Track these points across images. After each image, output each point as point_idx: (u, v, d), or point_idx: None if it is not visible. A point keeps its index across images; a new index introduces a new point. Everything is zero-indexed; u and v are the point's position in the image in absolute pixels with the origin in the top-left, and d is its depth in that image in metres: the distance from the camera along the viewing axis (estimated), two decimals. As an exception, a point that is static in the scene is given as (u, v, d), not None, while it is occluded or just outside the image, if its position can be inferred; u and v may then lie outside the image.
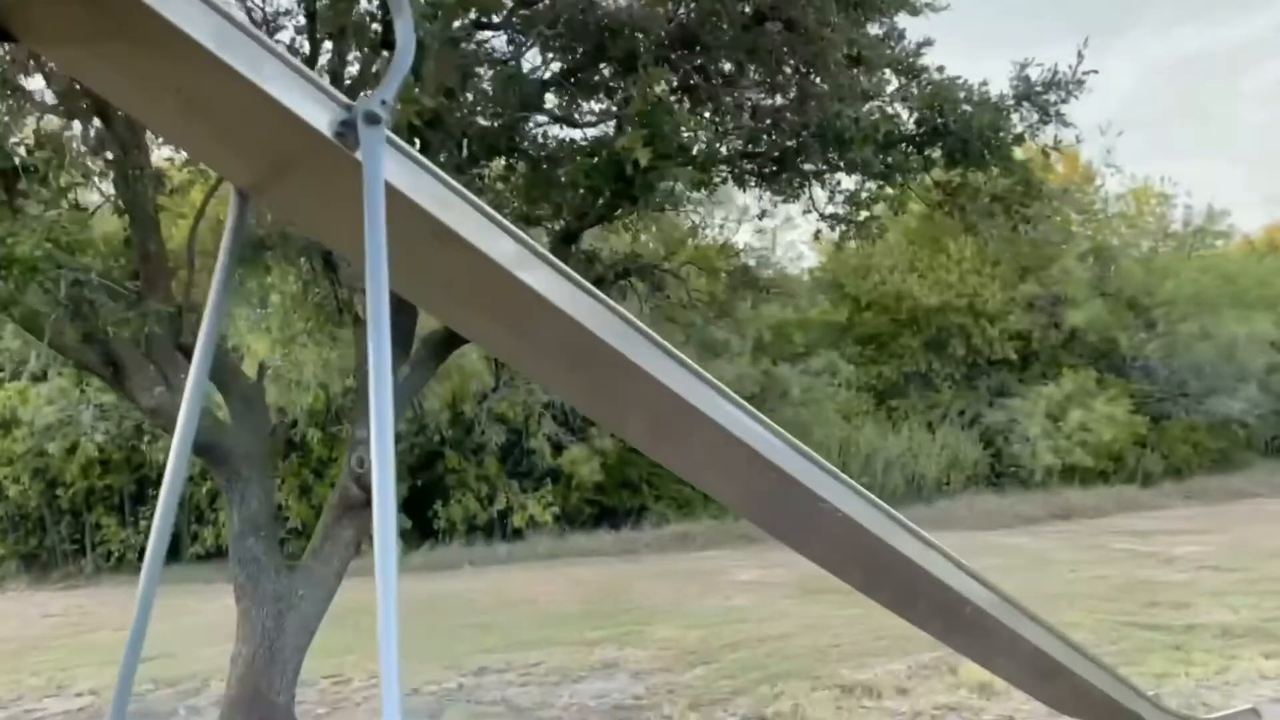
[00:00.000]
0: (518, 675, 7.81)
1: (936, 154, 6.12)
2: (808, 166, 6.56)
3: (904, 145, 5.97)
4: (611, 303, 2.54)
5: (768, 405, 18.33)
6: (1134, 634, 8.11)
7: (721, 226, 20.53)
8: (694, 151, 5.17)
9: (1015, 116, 5.42)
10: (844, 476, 3.27)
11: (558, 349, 2.61)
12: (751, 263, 21.11)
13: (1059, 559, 12.90)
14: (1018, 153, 5.73)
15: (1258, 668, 6.89)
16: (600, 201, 4.91)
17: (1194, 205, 25.29)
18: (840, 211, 7.47)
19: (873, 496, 3.32)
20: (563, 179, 4.95)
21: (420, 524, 17.49)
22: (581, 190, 4.85)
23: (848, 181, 7.19)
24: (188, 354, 5.77)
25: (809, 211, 7.57)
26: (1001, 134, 5.19)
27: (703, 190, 6.99)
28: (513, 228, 2.42)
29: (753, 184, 7.01)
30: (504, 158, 5.49)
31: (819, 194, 7.36)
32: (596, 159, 4.70)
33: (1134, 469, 22.11)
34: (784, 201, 7.56)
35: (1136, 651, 7.50)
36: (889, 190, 6.94)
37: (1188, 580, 10.74)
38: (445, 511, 17.37)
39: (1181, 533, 15.19)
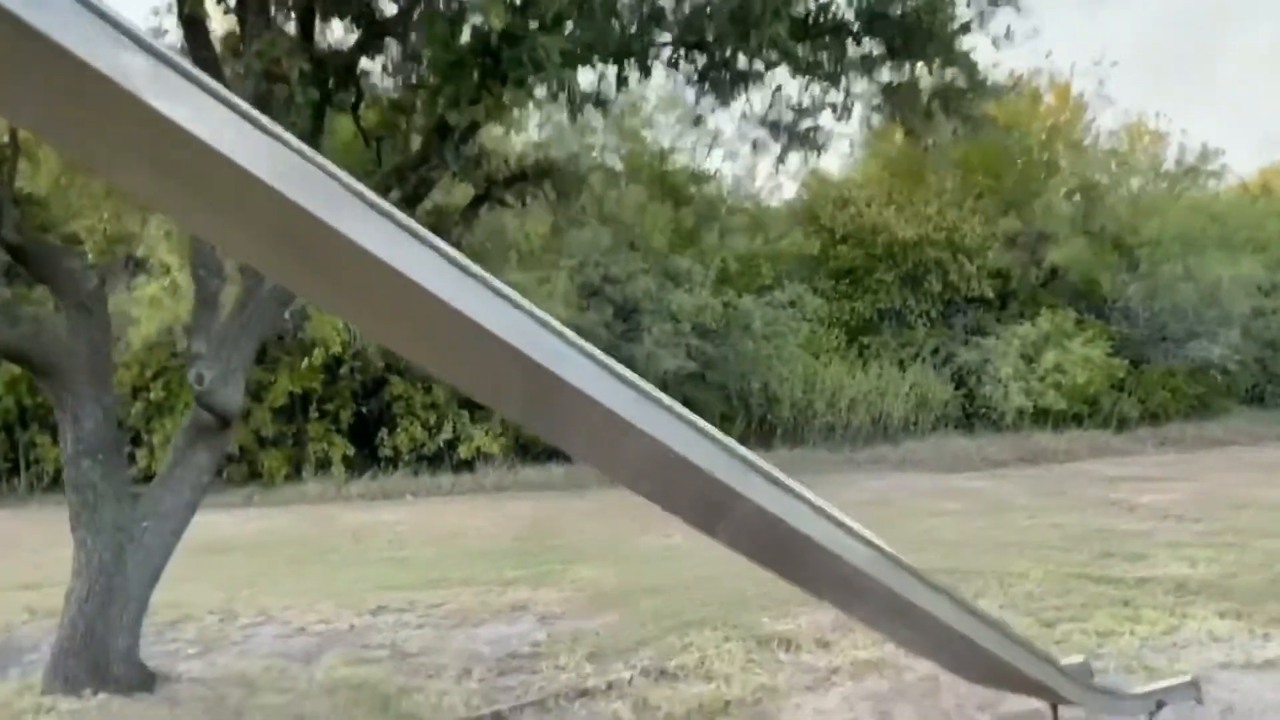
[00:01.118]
0: (417, 616, 7.28)
1: (878, 50, 5.42)
2: (740, 64, 5.86)
3: (840, 35, 5.27)
4: (320, 159, 1.89)
5: (730, 339, 17.74)
6: (1083, 587, 7.62)
7: (693, 150, 19.74)
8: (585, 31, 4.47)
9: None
10: (683, 411, 2.67)
11: (246, 217, 1.95)
12: (724, 191, 20.36)
13: (1019, 504, 12.45)
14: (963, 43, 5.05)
15: (1209, 628, 6.41)
16: (466, 80, 4.21)
17: (1188, 145, 24.54)
18: (780, 119, 6.78)
19: (725, 438, 2.74)
20: (425, 54, 4.26)
21: (366, 452, 16.95)
22: (442, 65, 4.15)
23: (790, 86, 6.52)
24: (10, 250, 5.09)
25: (746, 116, 6.88)
26: (940, 16, 4.51)
27: (623, 87, 6.29)
28: (151, 42, 1.75)
29: (684, 80, 6.32)
30: (359, 24, 4.77)
31: (756, 99, 6.68)
32: (454, 25, 4.01)
33: (1109, 413, 21.69)
34: (721, 105, 6.86)
35: (1082, 607, 7.01)
36: (833, 94, 6.25)
37: (1148, 530, 10.28)
38: (391, 439, 16.81)
39: (1150, 480, 14.78)
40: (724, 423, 18.97)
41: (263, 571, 9.31)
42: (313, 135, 4.65)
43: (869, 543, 3.05)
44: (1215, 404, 23.30)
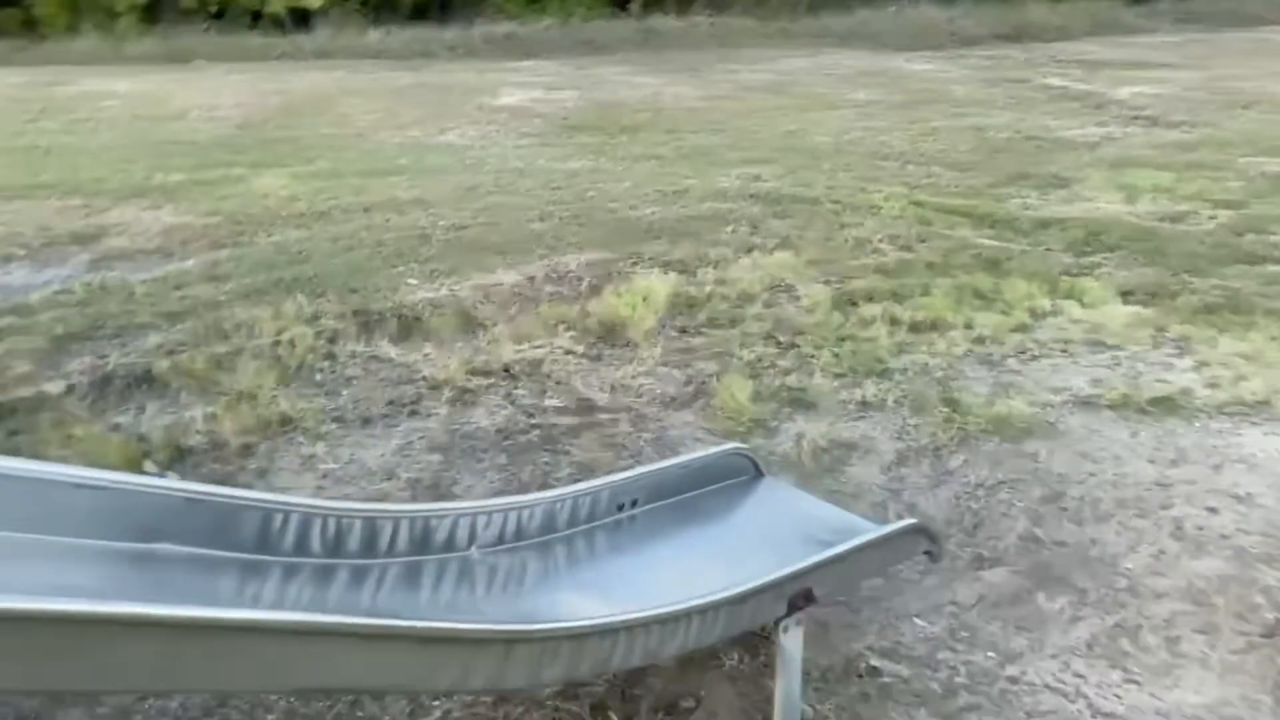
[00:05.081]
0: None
1: None
2: None
3: None
4: None
5: None
6: (940, 237, 5.24)
7: None
8: None
9: None
10: None
11: None
12: None
13: (951, 97, 9.71)
14: None
15: (1096, 322, 4.10)
16: None
17: None
18: None
19: None
20: None
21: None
22: None
23: None
24: None
25: None
26: None
27: None
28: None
29: None
30: None
31: None
32: None
33: (1127, -21, 18.07)
34: None
35: (926, 269, 4.69)
36: None
37: (1099, 139, 7.70)
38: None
39: (1144, 66, 11.85)
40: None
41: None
42: None
43: None
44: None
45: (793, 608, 1.83)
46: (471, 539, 1.87)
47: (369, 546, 1.73)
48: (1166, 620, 2.42)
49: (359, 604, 1.69)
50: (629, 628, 1.55)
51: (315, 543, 1.67)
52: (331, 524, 1.68)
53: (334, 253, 4.81)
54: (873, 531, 2.01)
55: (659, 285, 4.35)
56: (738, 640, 2.20)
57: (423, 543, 1.80)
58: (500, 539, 1.91)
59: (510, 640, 1.40)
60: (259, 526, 1.60)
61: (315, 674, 1.26)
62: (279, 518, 1.61)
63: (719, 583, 1.78)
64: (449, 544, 1.84)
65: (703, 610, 1.67)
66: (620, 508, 2.11)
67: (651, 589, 1.92)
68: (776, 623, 1.86)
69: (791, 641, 1.86)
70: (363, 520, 1.71)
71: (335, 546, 1.69)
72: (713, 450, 2.34)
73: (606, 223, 5.32)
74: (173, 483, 1.59)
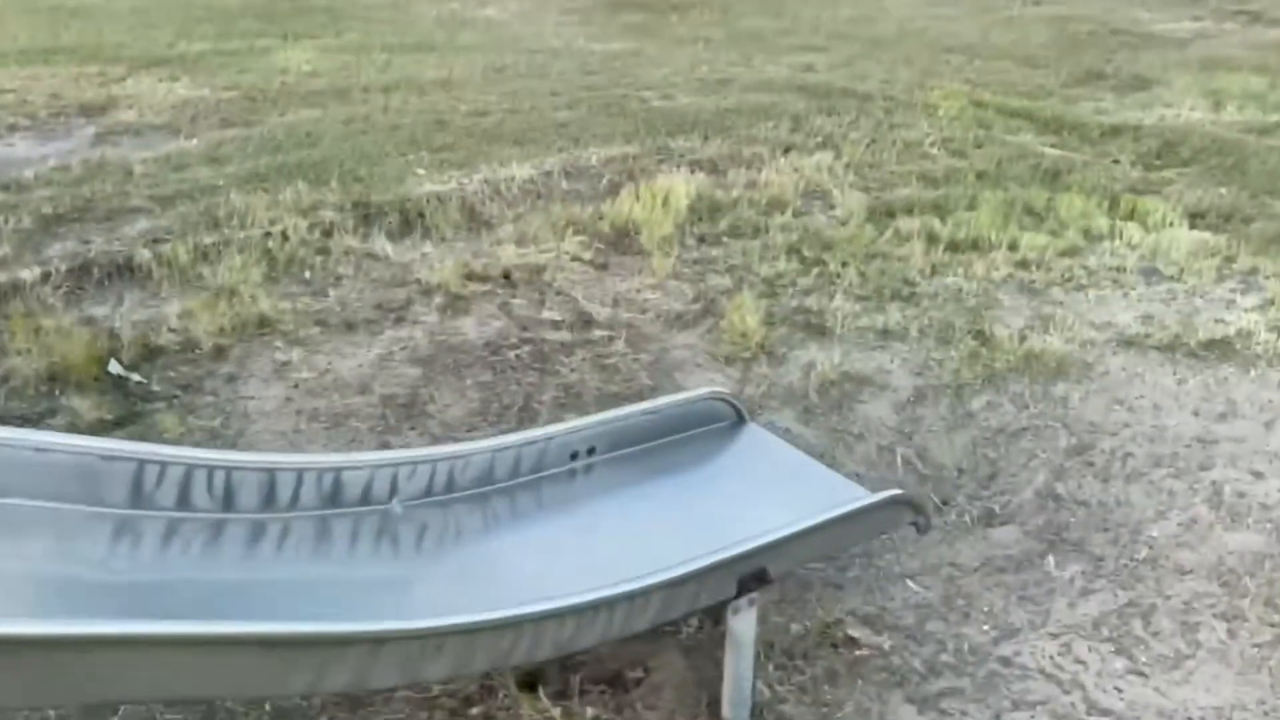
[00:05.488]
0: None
1: None
2: None
3: None
4: None
5: None
6: (990, 142, 4.85)
7: None
8: None
9: None
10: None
11: None
12: None
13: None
14: None
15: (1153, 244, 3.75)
16: None
17: None
18: None
19: None
20: None
21: None
22: None
23: None
24: None
25: None
26: None
27: None
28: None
29: None
30: None
31: None
32: None
33: None
34: None
35: (982, 177, 4.33)
36: None
37: (1191, 35, 7.09)
38: None
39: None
40: None
41: None
42: None
43: None
44: None
45: (743, 589, 1.63)
46: (393, 492, 1.70)
47: (267, 501, 1.56)
48: (1186, 602, 2.19)
49: (257, 560, 1.53)
50: (536, 620, 1.38)
51: (201, 497, 1.51)
52: (220, 476, 1.51)
53: (345, 136, 4.59)
54: (851, 503, 1.79)
55: (682, 186, 4.07)
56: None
57: (333, 497, 1.63)
58: (428, 492, 1.73)
59: (378, 640, 1.23)
60: (131, 479, 1.44)
61: (144, 685, 1.10)
62: (154, 470, 1.45)
63: (671, 552, 1.59)
64: (365, 498, 1.67)
65: (631, 596, 1.49)
66: (574, 457, 1.92)
67: (594, 553, 1.75)
68: (726, 604, 1.67)
69: (742, 624, 1.68)
70: (258, 472, 1.54)
71: (226, 501, 1.53)
72: (688, 394, 2.12)
73: (637, 113, 5.01)
74: (17, 432, 1.43)
